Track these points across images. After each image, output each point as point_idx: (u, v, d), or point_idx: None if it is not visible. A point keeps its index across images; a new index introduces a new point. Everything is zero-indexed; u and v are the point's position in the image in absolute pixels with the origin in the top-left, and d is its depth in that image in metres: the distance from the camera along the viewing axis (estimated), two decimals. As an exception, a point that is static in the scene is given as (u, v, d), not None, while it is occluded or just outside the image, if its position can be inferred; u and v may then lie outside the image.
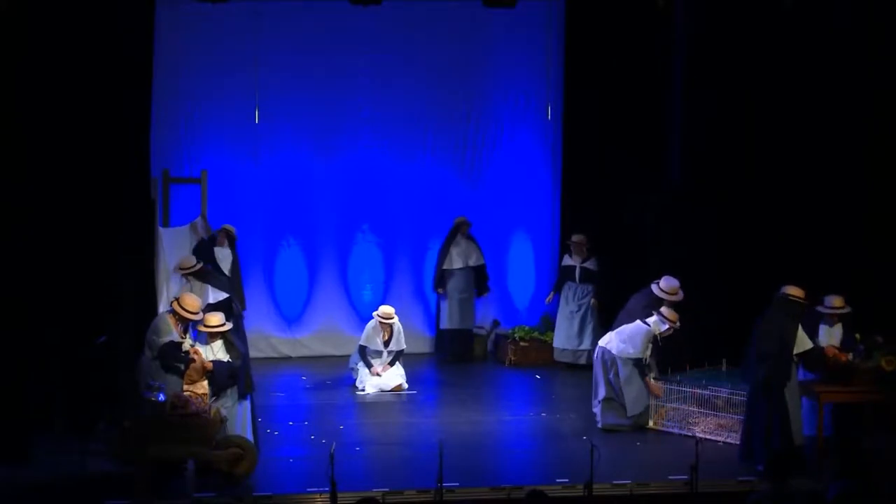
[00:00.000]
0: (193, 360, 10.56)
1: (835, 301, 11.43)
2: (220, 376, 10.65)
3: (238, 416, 10.78)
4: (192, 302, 10.83)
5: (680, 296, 12.21)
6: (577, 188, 15.30)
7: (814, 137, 13.47)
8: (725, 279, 13.63)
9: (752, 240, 13.61)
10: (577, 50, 15.14)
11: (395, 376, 13.61)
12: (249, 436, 10.72)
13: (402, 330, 13.90)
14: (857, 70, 13.30)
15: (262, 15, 14.65)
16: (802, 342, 10.80)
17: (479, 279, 15.18)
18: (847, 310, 11.42)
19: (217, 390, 10.66)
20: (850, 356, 11.12)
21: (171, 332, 10.62)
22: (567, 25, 15.23)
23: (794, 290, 10.85)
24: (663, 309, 12.00)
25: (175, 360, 10.55)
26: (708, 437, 11.51)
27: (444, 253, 15.05)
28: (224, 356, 10.80)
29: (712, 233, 13.73)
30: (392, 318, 13.71)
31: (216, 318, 10.96)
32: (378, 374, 13.56)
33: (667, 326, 11.90)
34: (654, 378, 12.01)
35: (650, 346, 11.95)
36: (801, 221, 13.49)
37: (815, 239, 13.31)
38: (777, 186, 13.65)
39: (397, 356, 13.77)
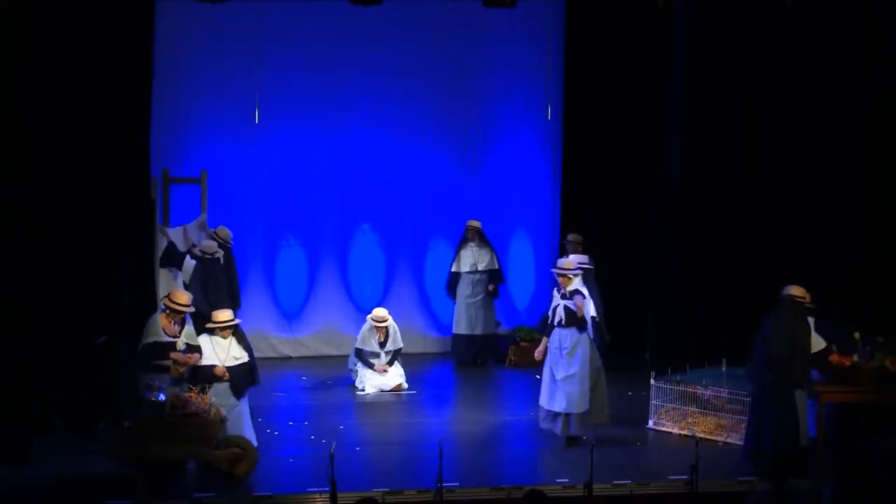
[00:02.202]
0: (187, 361, 10.59)
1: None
2: (239, 379, 10.74)
3: (245, 413, 10.85)
4: (183, 296, 10.84)
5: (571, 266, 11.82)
6: (577, 188, 15.30)
7: (814, 137, 13.47)
8: (725, 279, 13.64)
9: (752, 240, 13.62)
10: (577, 50, 15.14)
11: (394, 376, 13.61)
12: (251, 432, 10.75)
13: (397, 329, 13.90)
14: (857, 70, 13.30)
15: (263, 15, 14.66)
16: (817, 342, 10.80)
17: (493, 282, 14.98)
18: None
19: (239, 394, 10.76)
20: (855, 357, 11.10)
21: (159, 332, 10.59)
22: (567, 25, 15.24)
23: (798, 291, 10.81)
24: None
25: (153, 361, 10.52)
26: (708, 437, 11.51)
27: (455, 256, 15.01)
28: (239, 352, 10.85)
29: (712, 233, 13.73)
30: (386, 321, 13.70)
31: (225, 314, 10.98)
32: (384, 371, 13.55)
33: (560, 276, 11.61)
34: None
35: (561, 304, 11.52)
36: (801, 221, 13.49)
37: (815, 239, 13.31)
38: (777, 186, 13.66)
39: (395, 355, 13.77)
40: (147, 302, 12.19)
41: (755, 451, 10.73)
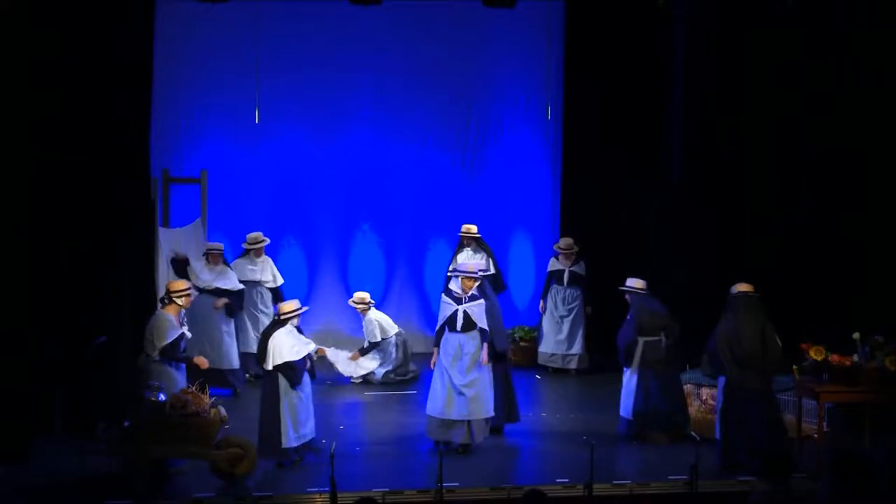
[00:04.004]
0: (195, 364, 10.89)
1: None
2: (301, 366, 10.94)
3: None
4: (178, 283, 11.19)
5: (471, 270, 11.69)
6: (577, 188, 15.31)
7: (814, 136, 13.46)
8: (725, 279, 13.60)
9: (752, 240, 13.60)
10: (577, 50, 15.16)
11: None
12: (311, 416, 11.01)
13: (373, 323, 14.07)
14: (857, 70, 13.28)
15: (262, 15, 14.65)
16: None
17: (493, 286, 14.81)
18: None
19: (313, 377, 11.09)
20: (855, 357, 11.09)
21: (173, 326, 10.79)
22: (567, 25, 15.26)
23: (748, 287, 10.85)
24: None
25: (177, 357, 10.87)
26: (708, 437, 11.49)
27: (452, 259, 14.89)
28: (306, 337, 11.07)
29: (712, 233, 13.73)
30: (361, 303, 13.94)
31: (294, 303, 11.16)
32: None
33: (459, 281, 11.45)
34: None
35: (460, 309, 11.29)
36: (800, 221, 13.49)
37: (815, 238, 13.31)
38: (777, 186, 13.65)
39: (367, 349, 14.09)
40: (147, 302, 12.20)
41: (732, 454, 10.66)
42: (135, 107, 12.14)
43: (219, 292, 13.37)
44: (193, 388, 10.40)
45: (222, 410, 10.44)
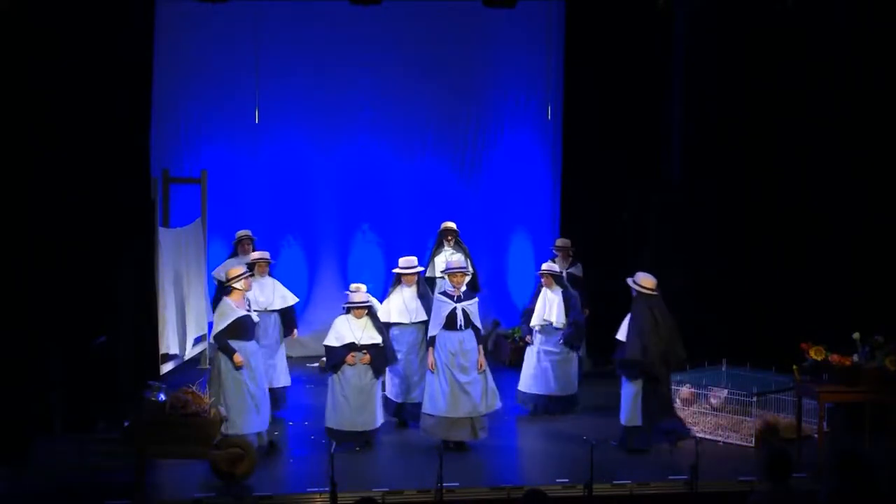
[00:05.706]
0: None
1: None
2: (379, 362, 11.28)
3: (378, 393, 11.30)
4: (236, 269, 11.33)
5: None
6: (577, 188, 15.31)
7: (814, 136, 13.47)
8: (725, 279, 13.63)
9: (751, 239, 13.61)
10: (577, 50, 15.16)
11: None
12: (380, 408, 11.30)
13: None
14: (857, 70, 13.29)
15: (263, 15, 14.68)
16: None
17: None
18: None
19: (377, 373, 11.29)
20: (855, 357, 11.10)
21: (231, 310, 11.00)
22: (567, 25, 15.26)
23: (653, 283, 11.06)
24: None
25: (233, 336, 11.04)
26: (708, 437, 11.51)
27: (429, 260, 14.83)
28: (374, 333, 11.27)
29: (712, 232, 13.74)
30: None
31: (361, 295, 11.40)
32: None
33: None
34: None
35: (459, 307, 11.31)
36: (800, 220, 13.49)
37: (815, 238, 13.31)
38: (777, 186, 13.66)
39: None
40: (147, 302, 12.19)
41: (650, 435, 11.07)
42: (135, 107, 12.14)
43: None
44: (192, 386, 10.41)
45: (222, 410, 10.44)
